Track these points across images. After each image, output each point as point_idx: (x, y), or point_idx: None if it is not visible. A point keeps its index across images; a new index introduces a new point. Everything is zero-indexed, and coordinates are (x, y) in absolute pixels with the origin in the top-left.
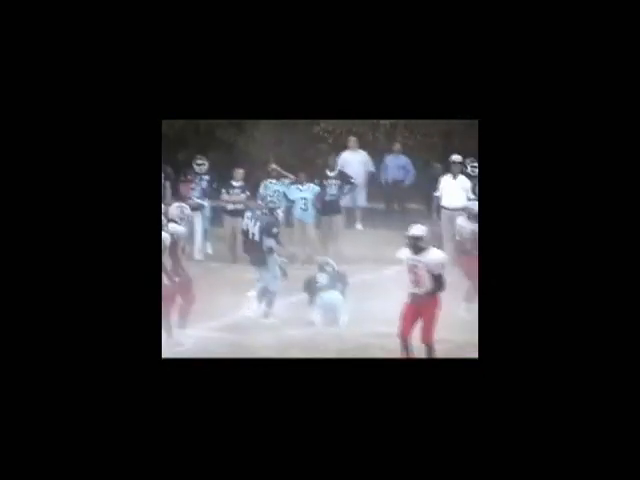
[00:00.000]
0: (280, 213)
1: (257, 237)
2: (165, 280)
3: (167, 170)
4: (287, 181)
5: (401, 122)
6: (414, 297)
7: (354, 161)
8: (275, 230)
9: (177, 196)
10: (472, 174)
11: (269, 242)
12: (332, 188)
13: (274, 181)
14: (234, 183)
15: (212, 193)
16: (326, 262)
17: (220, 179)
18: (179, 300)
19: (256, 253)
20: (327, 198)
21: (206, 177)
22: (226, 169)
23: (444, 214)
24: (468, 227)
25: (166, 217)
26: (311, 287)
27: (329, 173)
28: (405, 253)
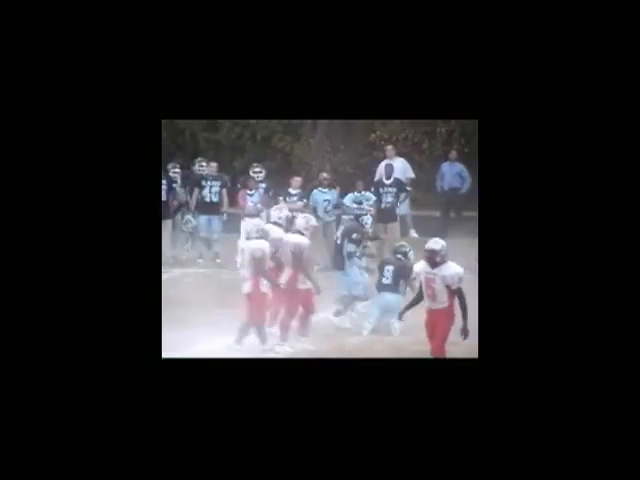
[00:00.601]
0: (368, 220)
1: (339, 241)
2: (265, 289)
3: (224, 178)
4: (334, 190)
5: (457, 130)
6: (430, 312)
7: (394, 169)
8: (356, 235)
9: (233, 204)
10: None
11: (350, 247)
12: (387, 196)
13: (325, 190)
14: (292, 191)
15: (269, 201)
16: (402, 246)
17: (277, 187)
18: (300, 309)
19: (338, 257)
20: (383, 206)
21: (263, 185)
22: (283, 177)
23: None
24: None
25: (288, 227)
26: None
27: (385, 181)
28: (422, 266)
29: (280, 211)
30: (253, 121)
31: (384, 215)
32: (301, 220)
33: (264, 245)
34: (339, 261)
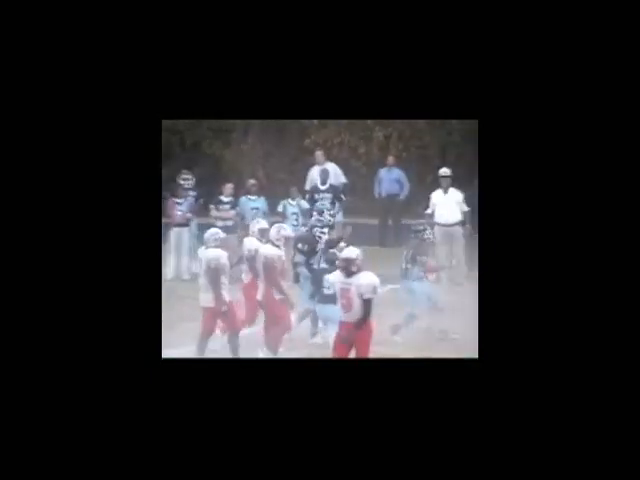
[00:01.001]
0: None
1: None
2: (226, 296)
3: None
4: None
5: (395, 134)
6: (343, 326)
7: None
8: (301, 246)
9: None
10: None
11: (298, 257)
12: (325, 203)
13: (254, 197)
14: (223, 198)
15: (199, 210)
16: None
17: (208, 195)
18: (272, 326)
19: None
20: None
21: (192, 193)
22: (214, 184)
23: (439, 231)
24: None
25: (263, 238)
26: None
27: (321, 187)
28: (337, 276)
29: (258, 223)
30: (182, 126)
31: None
32: (273, 230)
33: (220, 254)
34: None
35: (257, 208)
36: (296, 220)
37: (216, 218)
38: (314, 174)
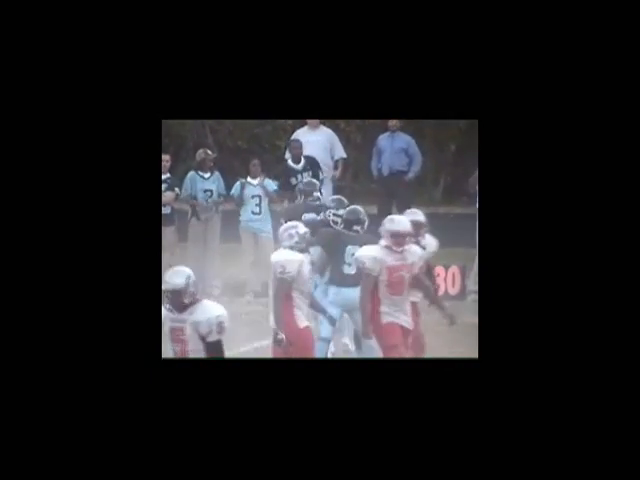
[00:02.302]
0: None
1: None
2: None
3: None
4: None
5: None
6: None
7: (315, 144)
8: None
9: None
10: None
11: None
12: (301, 184)
13: (206, 174)
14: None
15: None
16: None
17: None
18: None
19: None
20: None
21: None
22: None
23: None
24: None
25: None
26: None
27: (293, 165)
28: (165, 313)
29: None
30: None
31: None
32: (282, 232)
33: (294, 258)
34: None
35: (210, 191)
36: (257, 206)
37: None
38: (310, 139)
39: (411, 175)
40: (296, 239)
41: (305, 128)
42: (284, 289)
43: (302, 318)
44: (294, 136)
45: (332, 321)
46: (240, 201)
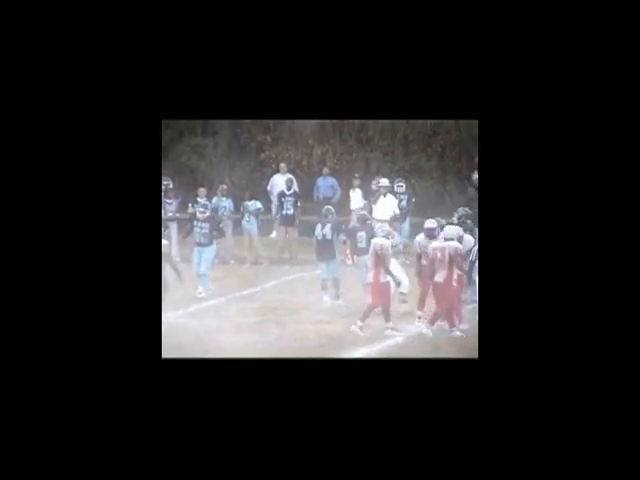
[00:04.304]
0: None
1: (329, 236)
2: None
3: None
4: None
5: (330, 150)
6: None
7: (282, 182)
8: (344, 226)
9: None
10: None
11: (343, 236)
12: (288, 204)
13: (224, 198)
14: (199, 200)
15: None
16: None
17: (185, 197)
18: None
19: (327, 250)
20: (284, 212)
21: (175, 195)
22: (191, 189)
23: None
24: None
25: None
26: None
27: (287, 192)
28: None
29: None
30: (164, 142)
31: (286, 220)
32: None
33: (385, 243)
34: (330, 253)
35: (225, 207)
36: (249, 217)
37: (192, 215)
38: (279, 181)
39: (335, 200)
40: (383, 233)
41: (279, 175)
42: (379, 260)
43: (385, 276)
44: (276, 177)
45: (397, 282)
46: (244, 213)
